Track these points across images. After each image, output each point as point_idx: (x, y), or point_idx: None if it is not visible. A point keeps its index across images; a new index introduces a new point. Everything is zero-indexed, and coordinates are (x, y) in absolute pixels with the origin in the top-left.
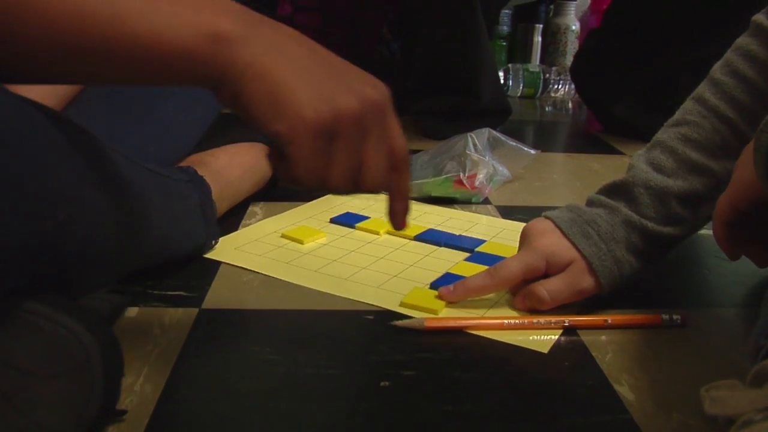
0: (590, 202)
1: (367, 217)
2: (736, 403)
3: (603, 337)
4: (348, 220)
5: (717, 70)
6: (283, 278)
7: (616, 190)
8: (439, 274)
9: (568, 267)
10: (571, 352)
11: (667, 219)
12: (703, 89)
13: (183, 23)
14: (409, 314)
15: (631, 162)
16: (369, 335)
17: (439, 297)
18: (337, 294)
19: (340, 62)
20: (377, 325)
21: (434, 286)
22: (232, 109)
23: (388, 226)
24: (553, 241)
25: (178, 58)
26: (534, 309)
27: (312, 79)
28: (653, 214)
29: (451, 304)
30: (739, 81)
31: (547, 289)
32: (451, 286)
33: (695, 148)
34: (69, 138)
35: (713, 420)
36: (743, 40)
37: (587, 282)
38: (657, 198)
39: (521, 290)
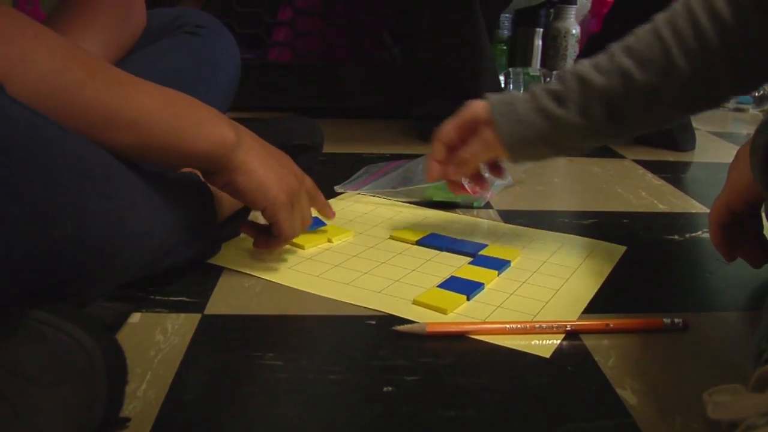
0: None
1: (323, 224)
2: (739, 407)
3: (605, 342)
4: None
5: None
6: (285, 283)
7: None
8: (441, 279)
9: None
10: (574, 356)
11: (582, 107)
12: (659, 15)
13: (202, 135)
14: (412, 319)
15: (580, 60)
16: (371, 340)
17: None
18: (340, 299)
19: (277, 152)
20: (379, 330)
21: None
22: (223, 189)
23: (316, 241)
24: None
25: (196, 158)
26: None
27: (273, 169)
28: (575, 99)
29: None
30: (687, 12)
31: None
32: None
33: (629, 55)
34: (76, 148)
35: (716, 424)
36: None
37: (488, 134)
38: (582, 86)
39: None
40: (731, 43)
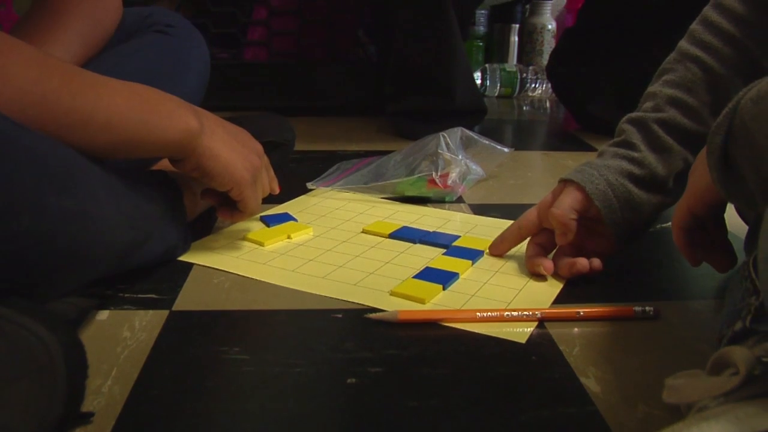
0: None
1: (293, 218)
2: (692, 391)
3: (571, 331)
4: (275, 219)
5: (694, 22)
6: (260, 279)
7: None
8: (416, 270)
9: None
10: (539, 346)
11: (653, 145)
12: (682, 41)
13: (170, 126)
14: (389, 310)
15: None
16: (337, 333)
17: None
18: (316, 293)
19: (239, 131)
20: (346, 323)
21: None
22: (191, 173)
23: (276, 238)
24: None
25: (164, 147)
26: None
27: (236, 150)
28: (639, 141)
29: (438, 303)
30: (706, 26)
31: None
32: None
33: (671, 86)
34: (33, 144)
35: (677, 410)
36: None
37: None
38: (640, 126)
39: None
40: (759, 36)
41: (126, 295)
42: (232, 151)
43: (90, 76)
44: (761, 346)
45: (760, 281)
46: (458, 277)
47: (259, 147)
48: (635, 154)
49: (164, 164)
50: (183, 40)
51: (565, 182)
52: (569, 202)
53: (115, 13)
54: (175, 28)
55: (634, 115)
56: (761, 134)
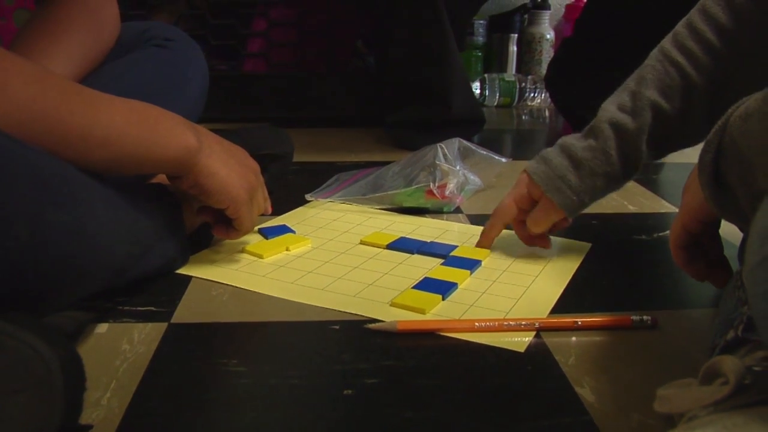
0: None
1: (291, 230)
2: (682, 401)
3: (567, 340)
4: (273, 232)
5: (680, 23)
6: (259, 291)
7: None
8: (415, 281)
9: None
10: (534, 356)
11: (625, 159)
12: (665, 38)
13: (169, 144)
14: (383, 320)
15: (603, 105)
16: (334, 345)
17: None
18: (317, 304)
19: (237, 149)
20: (343, 335)
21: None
22: (188, 190)
23: (274, 250)
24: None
25: (163, 165)
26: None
27: (233, 169)
28: (613, 150)
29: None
30: (691, 31)
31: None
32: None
33: (651, 88)
34: (33, 159)
35: (672, 419)
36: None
37: (548, 204)
38: (617, 134)
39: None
40: (738, 47)
41: (125, 308)
42: (229, 169)
43: (88, 92)
44: (752, 355)
45: (747, 293)
46: (457, 287)
47: (255, 165)
48: (609, 169)
49: (161, 178)
50: (181, 53)
51: (542, 193)
52: (547, 218)
53: (114, 27)
54: (173, 42)
55: (615, 117)
56: (750, 151)
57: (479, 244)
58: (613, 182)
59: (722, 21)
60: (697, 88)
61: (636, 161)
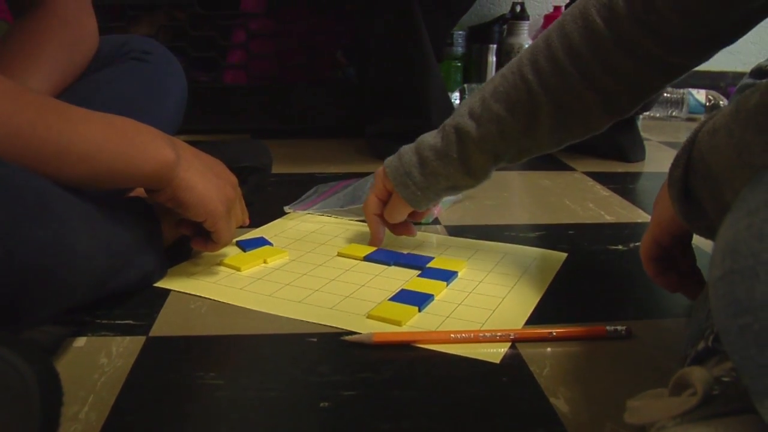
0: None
1: (269, 243)
2: (651, 412)
3: (542, 351)
4: (251, 244)
5: (542, 34)
6: (237, 304)
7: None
8: (391, 293)
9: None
10: (509, 367)
11: (466, 166)
12: (531, 44)
13: (147, 158)
14: (360, 332)
15: (464, 101)
16: (312, 357)
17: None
18: (294, 317)
19: (214, 162)
20: (320, 347)
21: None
22: (166, 204)
23: (252, 263)
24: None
25: (141, 179)
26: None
27: (211, 182)
28: (456, 154)
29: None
30: (546, 47)
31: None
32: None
33: (499, 101)
34: (6, 175)
35: (643, 429)
36: (570, 16)
37: (397, 200)
38: (460, 140)
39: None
40: (589, 74)
41: (103, 321)
42: (207, 182)
43: (65, 108)
44: (722, 365)
45: (711, 307)
46: (433, 299)
47: (233, 179)
48: (450, 172)
49: (140, 192)
50: (160, 66)
51: (393, 187)
52: (399, 210)
53: (93, 40)
54: (151, 55)
55: (461, 123)
56: (718, 166)
57: (371, 243)
58: (457, 185)
59: (575, 41)
60: (541, 107)
61: (479, 167)
